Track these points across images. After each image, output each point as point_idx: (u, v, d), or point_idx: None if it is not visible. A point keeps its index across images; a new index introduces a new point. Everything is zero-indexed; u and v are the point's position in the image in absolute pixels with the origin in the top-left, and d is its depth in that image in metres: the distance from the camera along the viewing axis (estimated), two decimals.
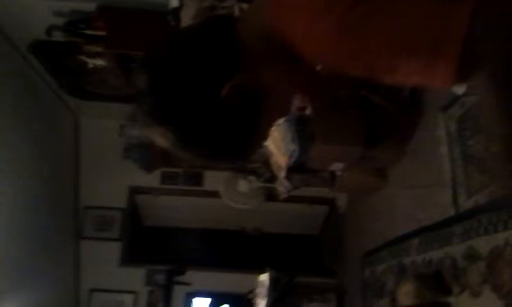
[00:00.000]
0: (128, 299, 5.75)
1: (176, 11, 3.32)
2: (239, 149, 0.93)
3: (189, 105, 0.84)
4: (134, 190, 6.01)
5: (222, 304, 5.84)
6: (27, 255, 4.57)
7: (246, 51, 0.85)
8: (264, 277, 3.93)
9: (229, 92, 0.83)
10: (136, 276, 5.81)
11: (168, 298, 5.66)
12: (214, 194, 5.55)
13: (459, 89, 1.73)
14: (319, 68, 0.95)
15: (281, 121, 3.28)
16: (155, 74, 0.86)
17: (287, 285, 3.43)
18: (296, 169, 3.72)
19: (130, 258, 5.92)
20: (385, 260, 4.01)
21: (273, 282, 3.48)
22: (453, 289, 2.74)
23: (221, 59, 0.85)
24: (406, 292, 2.93)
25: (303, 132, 3.34)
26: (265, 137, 0.99)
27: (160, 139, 0.87)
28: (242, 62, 0.85)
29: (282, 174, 3.79)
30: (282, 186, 4.28)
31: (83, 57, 4.18)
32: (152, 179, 5.91)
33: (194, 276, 5.77)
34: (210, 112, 0.85)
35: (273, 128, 3.45)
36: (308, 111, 1.44)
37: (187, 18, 3.21)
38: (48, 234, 4.99)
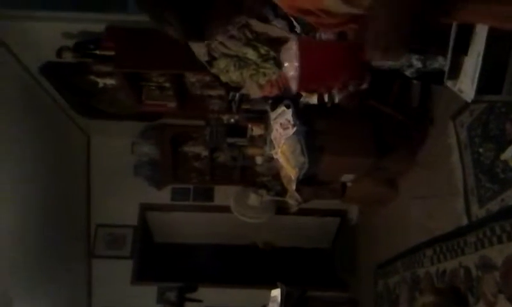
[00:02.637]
0: None
1: None
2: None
3: None
4: (145, 207, 6.03)
5: None
6: (39, 275, 4.59)
7: None
8: (276, 293, 3.91)
9: None
10: (147, 294, 5.81)
11: None
12: (225, 209, 5.56)
13: (469, 96, 1.73)
14: None
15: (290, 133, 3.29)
16: None
17: (299, 299, 3.41)
18: (306, 181, 3.72)
19: (141, 275, 5.93)
20: (398, 272, 3.97)
21: (285, 297, 3.46)
22: (468, 299, 2.71)
23: None
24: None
25: (312, 144, 3.35)
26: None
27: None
28: None
29: (292, 187, 3.79)
30: (293, 199, 4.27)
31: (93, 77, 4.24)
32: (163, 195, 5.93)
33: (205, 293, 5.76)
34: None
35: (283, 141, 3.47)
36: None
37: None
38: (60, 253, 5.02)
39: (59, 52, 3.94)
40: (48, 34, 3.95)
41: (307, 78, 2.15)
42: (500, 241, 2.39)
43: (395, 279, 4.06)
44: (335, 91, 2.12)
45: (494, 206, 2.50)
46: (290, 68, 2.23)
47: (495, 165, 2.48)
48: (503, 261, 2.35)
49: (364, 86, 1.39)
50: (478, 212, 2.68)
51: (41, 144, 4.68)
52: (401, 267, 3.91)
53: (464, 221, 2.82)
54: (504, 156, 2.31)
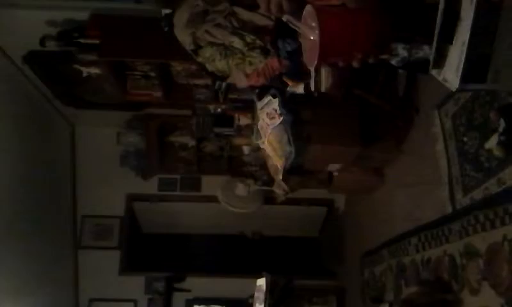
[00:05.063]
0: None
1: (169, 17, 3.33)
2: None
3: None
4: (132, 198, 6.00)
5: None
6: (25, 267, 4.55)
7: None
8: (261, 282, 3.92)
9: None
10: (135, 284, 5.80)
11: (168, 305, 5.65)
12: (212, 199, 5.54)
13: (454, 85, 1.73)
14: None
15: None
16: None
17: (284, 288, 3.42)
18: (293, 171, 3.72)
19: (129, 266, 5.91)
20: (384, 260, 4.01)
21: (270, 286, 3.47)
22: (453, 286, 2.74)
23: None
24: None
25: (298, 133, 3.35)
26: None
27: None
28: None
29: (279, 176, 3.79)
30: (280, 189, 4.28)
31: (78, 66, 4.17)
32: (150, 186, 5.90)
33: (194, 282, 5.77)
34: None
35: (269, 131, 3.46)
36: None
37: (180, 24, 3.21)
38: (46, 244, 4.98)
39: (42, 41, 3.88)
40: (32, 22, 3.88)
41: (329, 49, 1.97)
42: (483, 229, 2.42)
43: (381, 268, 4.10)
44: (355, 63, 1.99)
45: (478, 194, 2.53)
46: (312, 42, 2.04)
47: (479, 154, 2.50)
48: (486, 249, 2.38)
49: (385, 57, 1.38)
50: (462, 200, 2.71)
51: (25, 134, 4.62)
52: (387, 255, 3.94)
53: (449, 209, 2.85)
54: (488, 145, 2.33)
